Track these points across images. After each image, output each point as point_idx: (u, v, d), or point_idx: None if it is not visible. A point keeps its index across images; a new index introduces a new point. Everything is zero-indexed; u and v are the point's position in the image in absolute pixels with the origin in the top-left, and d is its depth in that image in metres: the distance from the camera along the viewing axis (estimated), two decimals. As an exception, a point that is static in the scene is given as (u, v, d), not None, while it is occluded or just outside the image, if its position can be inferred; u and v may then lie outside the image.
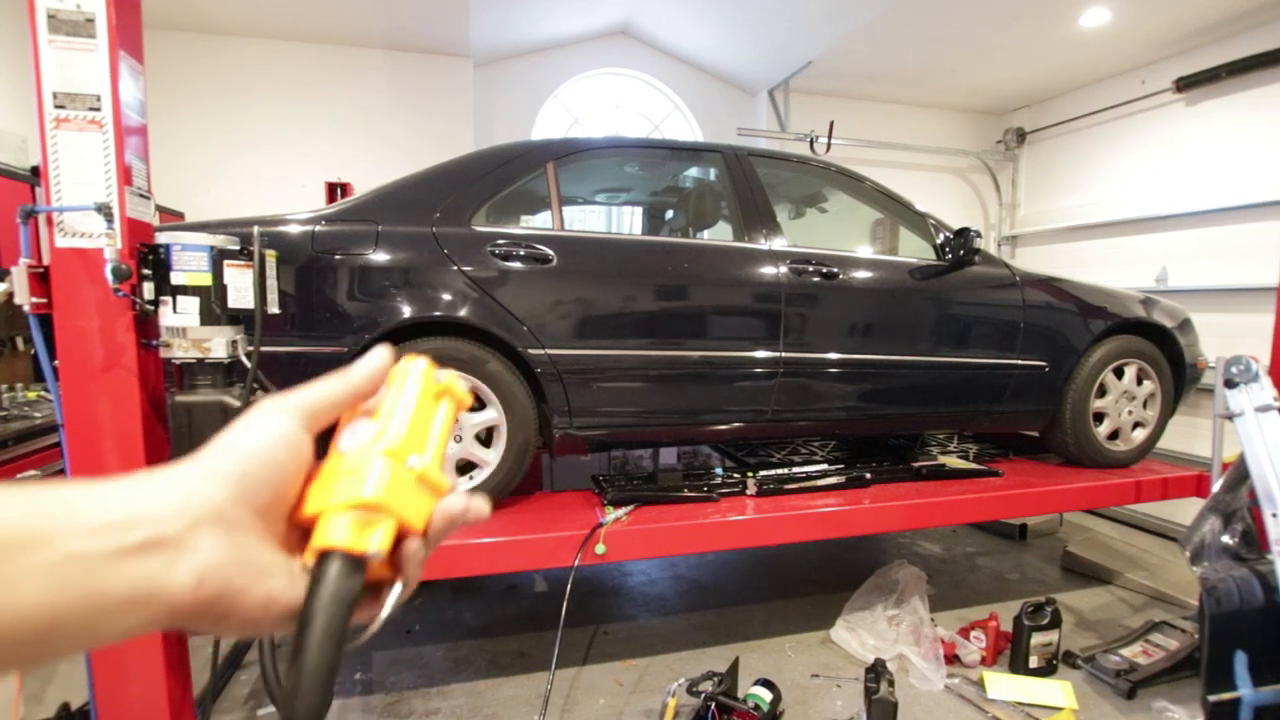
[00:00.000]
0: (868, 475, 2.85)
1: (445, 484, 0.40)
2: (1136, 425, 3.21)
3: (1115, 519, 4.61)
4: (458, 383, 0.44)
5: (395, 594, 0.38)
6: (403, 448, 0.38)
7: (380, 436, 0.39)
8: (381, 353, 0.43)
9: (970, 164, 6.03)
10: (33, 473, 2.50)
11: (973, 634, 2.74)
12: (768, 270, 2.60)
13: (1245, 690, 2.02)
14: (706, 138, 5.76)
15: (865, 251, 2.97)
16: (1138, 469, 3.20)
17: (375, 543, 0.35)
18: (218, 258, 1.78)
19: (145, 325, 1.80)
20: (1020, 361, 2.95)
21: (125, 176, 1.71)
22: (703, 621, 3.07)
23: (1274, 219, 4.03)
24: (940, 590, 3.34)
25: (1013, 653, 2.66)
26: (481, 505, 0.43)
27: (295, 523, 0.38)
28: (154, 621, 0.31)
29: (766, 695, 2.26)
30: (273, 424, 0.37)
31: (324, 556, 0.35)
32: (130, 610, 0.30)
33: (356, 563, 0.35)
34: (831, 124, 5.19)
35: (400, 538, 0.37)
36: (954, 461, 3.19)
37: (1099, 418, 3.13)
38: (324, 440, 0.41)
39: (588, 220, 4.44)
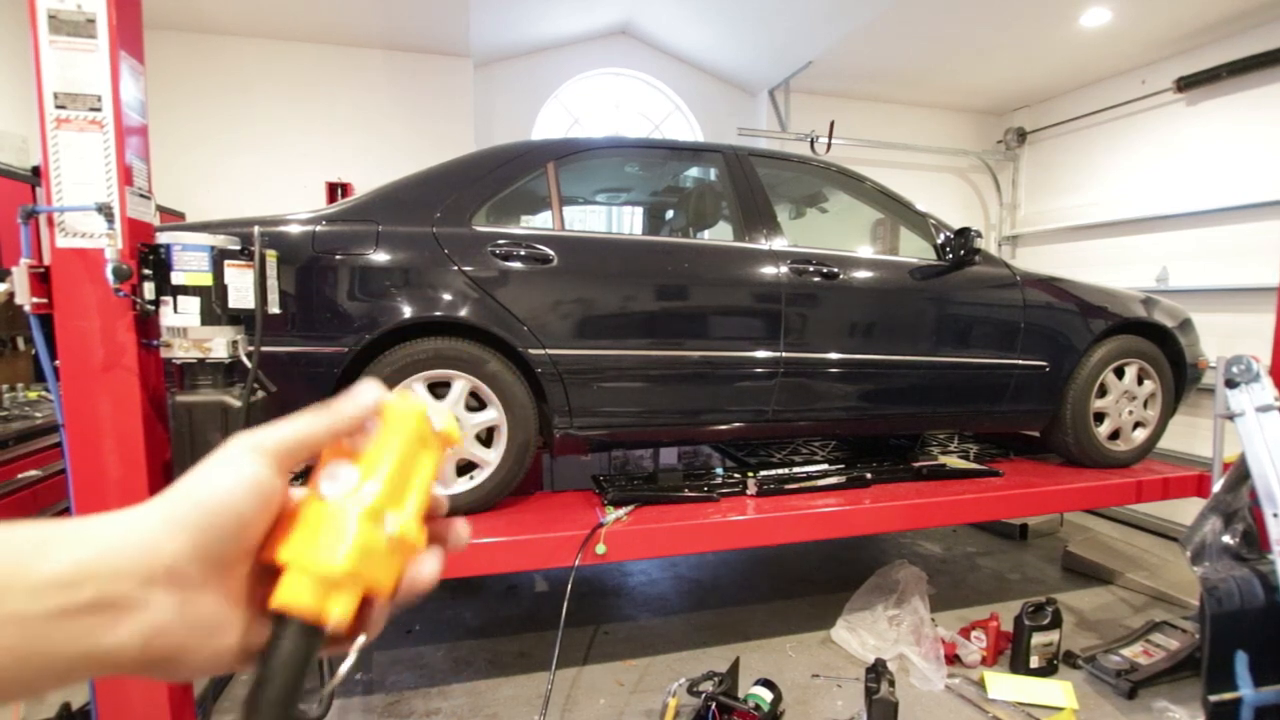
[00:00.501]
0: (868, 475, 2.84)
1: (422, 541, 0.39)
2: (1137, 425, 3.20)
3: (1116, 519, 4.61)
4: (454, 427, 0.42)
5: (356, 649, 0.37)
6: (381, 504, 0.37)
7: (359, 490, 0.37)
8: (371, 390, 0.40)
9: (971, 164, 6.03)
10: (34, 473, 2.50)
11: (973, 634, 2.74)
12: (768, 270, 2.60)
13: (1246, 690, 2.02)
14: (707, 138, 5.76)
15: (866, 251, 2.97)
16: (1138, 469, 3.20)
17: (337, 613, 0.35)
18: (218, 258, 1.78)
19: (146, 325, 1.80)
20: (1021, 361, 2.94)
21: (126, 176, 1.71)
22: (703, 621, 3.07)
23: (1274, 219, 4.02)
24: (941, 590, 3.34)
25: (1013, 653, 2.66)
26: (461, 531, 0.43)
27: (263, 560, 0.36)
28: (95, 674, 0.30)
29: (767, 695, 2.26)
30: (240, 469, 0.35)
31: (284, 617, 0.34)
32: (70, 669, 0.29)
33: (316, 628, 0.35)
34: (832, 124, 5.19)
35: (367, 598, 0.37)
36: (954, 461, 3.19)
37: (1100, 418, 3.12)
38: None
39: (588, 220, 4.44)
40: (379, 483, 0.38)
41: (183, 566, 0.32)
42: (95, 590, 0.30)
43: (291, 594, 0.35)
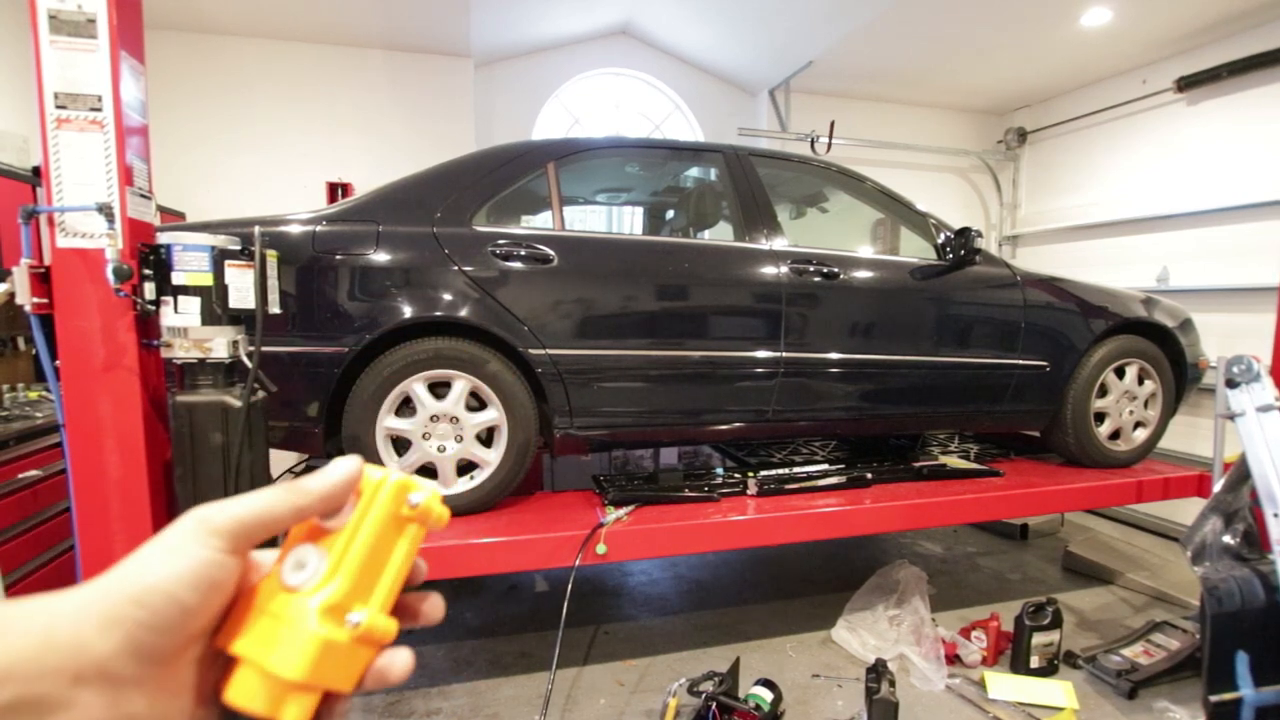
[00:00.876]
0: (869, 475, 2.84)
1: (390, 632, 0.37)
2: (1138, 425, 3.20)
3: (1116, 519, 4.61)
4: (436, 504, 0.39)
5: None
6: (347, 599, 0.35)
7: (324, 584, 0.35)
8: (346, 465, 0.37)
9: (971, 164, 6.03)
10: (34, 473, 2.50)
11: (974, 634, 2.74)
12: (768, 270, 2.60)
13: (1247, 690, 2.02)
14: (707, 138, 5.75)
15: (866, 251, 2.97)
16: (1139, 469, 3.20)
17: (292, 718, 0.33)
18: (219, 258, 1.78)
19: (146, 325, 1.80)
20: (1021, 361, 2.94)
21: (126, 177, 1.71)
22: (703, 621, 3.06)
23: (1275, 219, 4.02)
24: (941, 590, 3.34)
25: (1014, 653, 2.66)
26: (436, 605, 0.41)
27: (216, 645, 0.34)
28: None
29: (767, 695, 2.26)
30: (187, 556, 0.32)
31: (236, 717, 0.33)
32: None
33: None
34: (832, 124, 5.18)
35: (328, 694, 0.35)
36: (955, 461, 3.19)
37: (1100, 418, 3.12)
38: None
39: (588, 220, 4.44)
40: (346, 575, 0.35)
41: (116, 665, 0.30)
42: (15, 691, 0.28)
43: (244, 695, 0.33)
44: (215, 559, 0.33)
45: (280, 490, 0.35)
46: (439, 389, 2.28)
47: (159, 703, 0.32)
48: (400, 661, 0.37)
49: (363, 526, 0.36)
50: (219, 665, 0.35)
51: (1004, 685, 2.53)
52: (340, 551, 0.36)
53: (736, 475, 2.76)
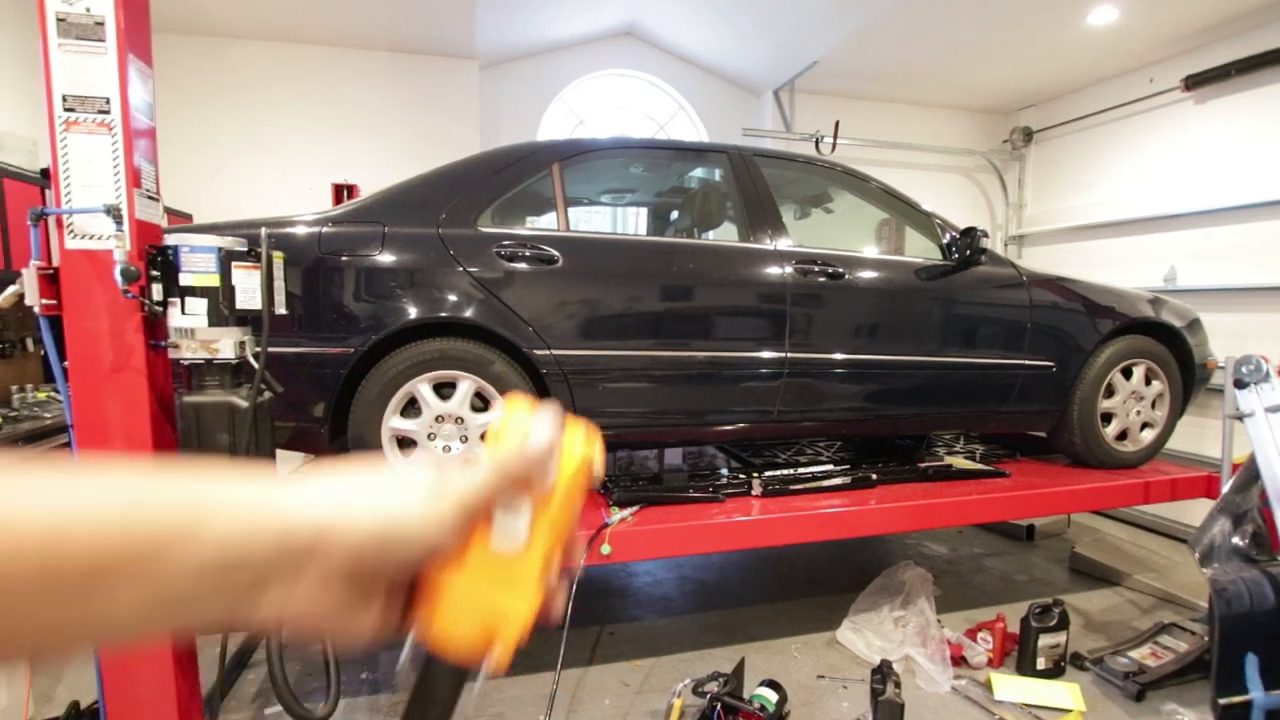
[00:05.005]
0: (874, 476, 2.84)
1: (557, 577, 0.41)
2: (1145, 426, 3.18)
3: (1123, 520, 4.58)
4: (600, 465, 0.43)
5: (485, 669, 0.39)
6: (549, 560, 0.39)
7: (531, 547, 0.39)
8: (547, 430, 0.40)
9: (977, 163, 6.00)
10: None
11: (980, 635, 2.73)
12: (773, 270, 2.60)
13: (1256, 693, 2.00)
14: (712, 138, 5.75)
15: (871, 251, 2.97)
16: (1146, 470, 3.18)
17: (494, 659, 0.38)
18: (225, 259, 1.79)
19: (154, 326, 1.81)
20: (1027, 362, 2.93)
21: (134, 179, 1.72)
22: (708, 622, 3.06)
23: (1284, 218, 3.99)
24: (947, 591, 3.32)
25: (1020, 654, 2.65)
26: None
27: (425, 579, 0.38)
28: (225, 630, 0.33)
29: (772, 696, 2.26)
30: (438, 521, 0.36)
31: (438, 660, 0.37)
32: (205, 626, 0.32)
33: (468, 669, 0.38)
34: (837, 124, 5.18)
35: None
36: (960, 462, 3.18)
37: (1107, 418, 3.10)
38: None
39: (593, 221, 4.44)
40: (549, 538, 0.39)
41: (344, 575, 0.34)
42: (253, 574, 0.31)
43: (455, 641, 0.37)
44: (448, 525, 0.37)
45: (497, 465, 0.39)
46: (444, 389, 2.28)
47: (362, 607, 0.35)
48: (560, 598, 0.42)
49: (561, 495, 0.40)
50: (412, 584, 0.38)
51: (1010, 687, 2.52)
52: (543, 520, 0.39)
53: (741, 476, 2.76)
